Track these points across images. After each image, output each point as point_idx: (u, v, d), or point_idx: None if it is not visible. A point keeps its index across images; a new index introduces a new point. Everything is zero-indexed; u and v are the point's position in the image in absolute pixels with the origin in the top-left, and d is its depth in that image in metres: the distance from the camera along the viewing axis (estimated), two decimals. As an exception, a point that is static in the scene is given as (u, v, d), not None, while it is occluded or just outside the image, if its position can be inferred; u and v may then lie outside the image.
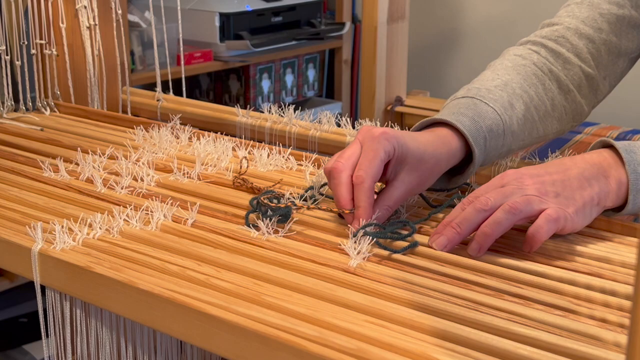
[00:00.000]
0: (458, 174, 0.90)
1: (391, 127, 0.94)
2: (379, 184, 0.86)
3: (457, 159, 0.87)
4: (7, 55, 1.25)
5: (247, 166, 0.98)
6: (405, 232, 0.80)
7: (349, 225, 0.80)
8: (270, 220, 0.82)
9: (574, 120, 1.00)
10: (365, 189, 0.79)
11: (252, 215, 0.85)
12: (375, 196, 0.82)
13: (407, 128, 0.90)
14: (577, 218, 0.78)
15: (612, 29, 0.96)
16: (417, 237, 0.80)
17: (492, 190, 0.77)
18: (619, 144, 0.81)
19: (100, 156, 1.04)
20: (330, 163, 0.82)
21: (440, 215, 0.86)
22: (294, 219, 0.84)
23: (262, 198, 0.86)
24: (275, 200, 0.86)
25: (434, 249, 0.77)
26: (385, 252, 0.78)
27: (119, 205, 0.89)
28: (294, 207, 0.86)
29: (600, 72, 0.98)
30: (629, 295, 0.69)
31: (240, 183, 0.94)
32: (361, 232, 0.78)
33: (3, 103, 1.26)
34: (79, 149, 1.06)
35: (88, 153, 1.05)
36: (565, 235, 0.82)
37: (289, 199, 0.87)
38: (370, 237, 0.77)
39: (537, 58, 0.96)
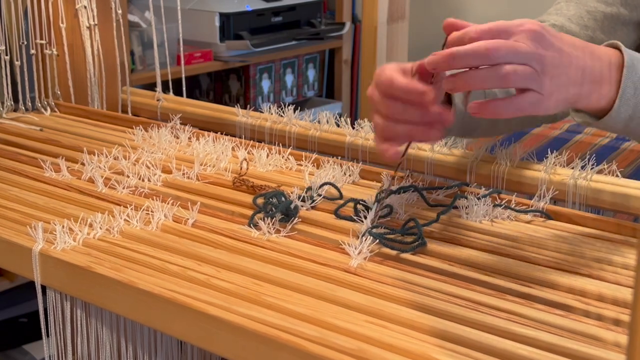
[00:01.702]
0: None
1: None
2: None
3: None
4: (7, 55, 1.25)
5: (247, 168, 0.98)
6: (411, 239, 0.80)
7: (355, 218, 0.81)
8: (273, 219, 0.82)
9: (557, 116, 1.00)
10: (389, 72, 0.75)
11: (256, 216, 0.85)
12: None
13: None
14: (549, 106, 0.73)
15: (599, 26, 0.96)
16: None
17: (505, 40, 0.71)
18: (627, 51, 0.77)
19: (100, 156, 1.04)
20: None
21: (445, 218, 0.86)
22: (296, 220, 0.84)
23: (267, 198, 0.87)
24: (282, 198, 0.87)
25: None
26: (385, 252, 0.78)
27: (120, 205, 0.89)
28: (296, 207, 0.86)
29: None
30: (630, 297, 0.70)
31: (240, 183, 0.94)
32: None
33: (3, 103, 1.26)
34: (84, 149, 1.06)
35: (88, 153, 1.04)
36: (566, 237, 0.82)
37: (290, 199, 0.87)
38: (374, 237, 0.77)
39: None
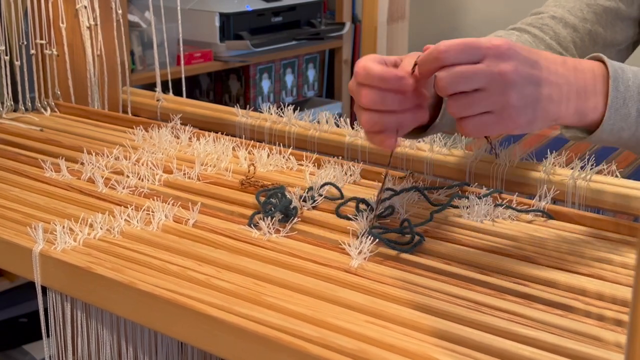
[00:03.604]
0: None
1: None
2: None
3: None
4: (6, 55, 1.25)
5: (255, 171, 0.98)
6: (407, 239, 0.80)
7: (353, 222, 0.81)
8: (272, 218, 0.82)
9: None
10: (365, 63, 0.73)
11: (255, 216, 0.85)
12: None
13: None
14: (518, 127, 0.71)
15: (598, 19, 0.97)
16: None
17: (462, 65, 0.69)
18: (610, 62, 0.76)
19: (101, 156, 1.04)
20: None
21: (441, 217, 0.86)
22: (296, 219, 0.84)
23: (262, 195, 0.87)
24: (282, 197, 0.87)
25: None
26: (385, 252, 0.78)
27: (120, 205, 0.89)
28: (295, 207, 0.86)
29: None
30: (630, 296, 0.69)
31: (248, 184, 0.95)
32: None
33: (2, 103, 1.26)
34: (85, 149, 1.06)
35: (89, 153, 1.04)
36: (565, 236, 0.82)
37: (290, 199, 0.87)
38: (374, 237, 0.77)
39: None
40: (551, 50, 0.96)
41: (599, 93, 0.74)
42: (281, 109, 1.16)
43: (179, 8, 1.33)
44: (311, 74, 2.60)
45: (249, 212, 0.87)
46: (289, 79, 2.53)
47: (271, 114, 1.17)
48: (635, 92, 0.75)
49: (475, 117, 0.69)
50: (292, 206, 0.86)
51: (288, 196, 0.87)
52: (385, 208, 0.86)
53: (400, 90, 0.72)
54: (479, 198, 0.88)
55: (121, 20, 1.30)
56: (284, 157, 1.04)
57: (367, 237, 0.77)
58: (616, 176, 0.90)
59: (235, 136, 1.14)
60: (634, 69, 0.77)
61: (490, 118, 0.69)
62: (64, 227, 0.81)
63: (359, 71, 0.73)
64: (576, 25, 0.96)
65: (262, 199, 0.88)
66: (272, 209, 0.84)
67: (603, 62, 0.76)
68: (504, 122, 0.69)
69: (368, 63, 0.73)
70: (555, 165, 0.93)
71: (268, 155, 1.04)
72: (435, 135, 1.08)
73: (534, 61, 0.70)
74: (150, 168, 0.99)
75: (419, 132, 0.87)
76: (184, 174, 0.98)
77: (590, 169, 0.90)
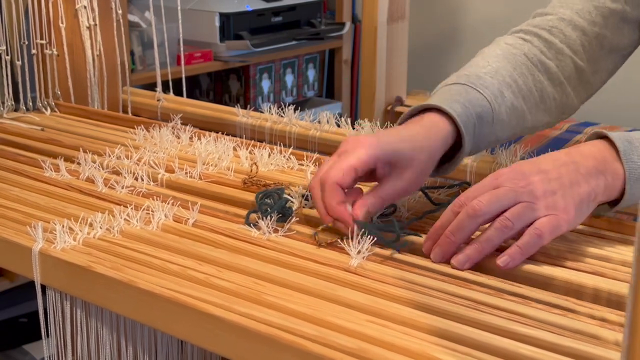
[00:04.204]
0: (447, 162, 0.87)
1: (390, 126, 0.95)
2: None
3: (449, 145, 0.85)
4: (7, 55, 1.25)
5: (257, 171, 0.98)
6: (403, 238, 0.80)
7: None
8: (271, 218, 0.82)
9: (564, 113, 0.99)
10: (328, 189, 0.78)
11: (253, 215, 0.85)
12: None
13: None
14: (573, 218, 0.77)
15: (605, 23, 0.95)
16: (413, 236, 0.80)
17: (485, 193, 0.76)
18: (613, 135, 0.79)
19: (102, 156, 1.04)
20: (310, 181, 0.84)
21: (437, 214, 0.86)
22: (294, 219, 0.85)
23: (261, 196, 0.87)
24: (276, 196, 0.87)
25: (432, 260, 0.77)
26: (385, 252, 0.78)
27: (120, 204, 0.89)
28: (295, 207, 0.86)
29: (590, 66, 0.97)
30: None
31: (251, 183, 0.95)
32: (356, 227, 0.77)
33: (3, 103, 1.26)
34: (80, 149, 1.06)
35: (90, 153, 1.05)
36: (565, 234, 0.82)
37: (288, 199, 0.87)
38: (366, 233, 0.77)
39: (528, 48, 0.95)
40: (562, 55, 0.95)
41: (618, 177, 0.78)
42: (281, 109, 1.16)
43: (179, 8, 1.33)
44: (311, 74, 2.60)
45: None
46: (289, 79, 2.53)
47: (272, 114, 1.17)
48: None
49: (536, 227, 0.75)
50: (287, 206, 0.86)
51: (286, 196, 0.87)
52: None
53: (343, 224, 0.79)
54: None
55: (121, 20, 1.30)
56: (284, 156, 1.04)
57: (362, 232, 0.77)
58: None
59: (235, 136, 1.14)
60: (633, 134, 0.80)
61: (547, 220, 0.76)
62: (63, 226, 0.81)
63: (314, 184, 0.81)
64: (585, 28, 0.95)
65: (260, 198, 0.88)
66: (268, 209, 0.84)
67: (609, 138, 0.79)
68: (557, 221, 0.76)
69: (327, 186, 0.79)
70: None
71: (269, 155, 1.04)
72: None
73: (542, 166, 0.77)
74: (152, 167, 0.99)
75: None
76: (186, 173, 0.98)
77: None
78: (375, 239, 0.77)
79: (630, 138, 0.79)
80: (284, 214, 0.85)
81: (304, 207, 0.88)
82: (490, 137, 0.90)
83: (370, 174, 0.81)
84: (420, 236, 0.80)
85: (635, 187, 0.78)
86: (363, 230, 0.77)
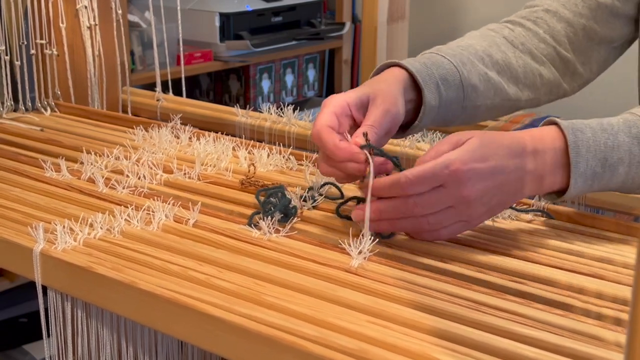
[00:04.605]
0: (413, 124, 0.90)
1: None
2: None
3: (408, 90, 0.87)
4: (7, 55, 1.25)
5: (255, 171, 0.98)
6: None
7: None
8: (272, 218, 0.82)
9: (551, 94, 1.00)
10: (324, 135, 0.79)
11: (255, 216, 0.85)
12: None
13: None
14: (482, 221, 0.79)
15: (592, 15, 0.96)
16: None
17: (428, 192, 0.75)
18: (564, 123, 0.78)
19: (101, 156, 1.04)
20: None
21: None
22: (296, 219, 0.84)
23: (262, 195, 0.87)
24: (281, 195, 0.87)
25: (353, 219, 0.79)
26: (386, 252, 0.78)
27: (120, 205, 0.89)
28: (294, 207, 0.86)
29: (578, 57, 0.98)
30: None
31: (248, 184, 0.94)
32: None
33: (3, 103, 1.26)
34: (85, 149, 1.06)
35: (89, 153, 1.04)
36: (566, 236, 0.82)
37: (292, 198, 0.87)
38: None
39: (508, 32, 0.98)
40: (544, 44, 0.97)
41: (562, 166, 0.77)
42: (281, 109, 1.16)
43: (179, 8, 1.33)
44: (311, 74, 2.60)
45: (249, 211, 0.87)
46: (289, 79, 2.53)
47: (271, 114, 1.17)
48: (597, 150, 0.77)
49: (448, 227, 0.77)
50: (291, 205, 0.86)
51: (287, 196, 0.87)
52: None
53: (353, 160, 0.78)
54: None
55: (121, 20, 1.30)
56: (284, 157, 1.04)
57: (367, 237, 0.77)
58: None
59: (235, 136, 1.14)
60: (592, 124, 0.78)
61: (461, 225, 0.77)
62: (64, 226, 0.81)
63: (314, 138, 0.81)
64: (570, 19, 0.96)
65: (262, 198, 0.88)
66: (272, 208, 0.84)
67: (560, 126, 0.78)
68: (472, 225, 0.78)
69: (322, 133, 0.79)
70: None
71: (268, 155, 1.04)
72: (434, 135, 1.08)
73: (492, 167, 0.75)
74: (151, 168, 0.99)
75: (400, 132, 0.90)
76: (184, 174, 0.98)
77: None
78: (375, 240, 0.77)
79: (582, 129, 0.78)
80: (287, 214, 0.85)
81: (303, 207, 0.88)
82: (466, 103, 0.91)
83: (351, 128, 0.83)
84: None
85: (580, 182, 0.78)
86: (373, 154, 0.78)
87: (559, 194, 0.80)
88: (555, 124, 0.79)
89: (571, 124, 0.78)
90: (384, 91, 0.83)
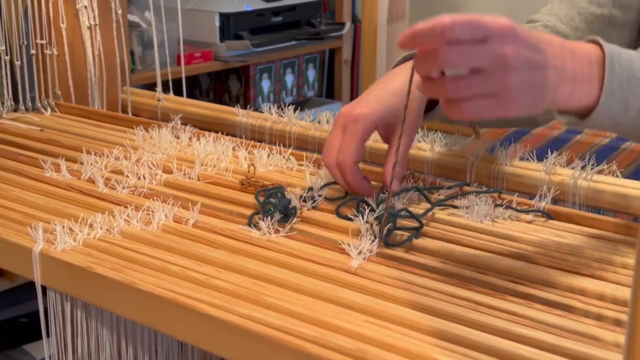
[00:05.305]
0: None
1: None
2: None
3: None
4: (7, 55, 1.25)
5: (254, 171, 0.98)
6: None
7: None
8: (272, 218, 0.82)
9: (549, 113, 0.99)
10: (348, 170, 0.86)
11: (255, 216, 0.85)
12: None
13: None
14: (518, 109, 0.69)
15: (590, 28, 0.96)
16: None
17: (468, 42, 0.67)
18: (607, 45, 0.74)
19: (101, 156, 1.04)
20: (323, 158, 0.89)
21: (441, 217, 0.86)
22: (295, 219, 0.85)
23: (261, 195, 0.87)
24: (281, 195, 0.87)
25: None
26: (385, 252, 0.78)
27: (120, 205, 0.89)
28: (294, 207, 0.87)
29: None
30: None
31: (248, 184, 0.95)
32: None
33: (3, 103, 1.26)
34: (85, 149, 1.06)
35: (89, 153, 1.04)
36: (566, 236, 0.82)
37: (292, 199, 0.87)
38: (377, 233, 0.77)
39: None
40: None
41: (594, 79, 0.72)
42: (281, 109, 1.16)
43: (179, 8, 1.33)
44: (311, 74, 2.60)
45: (249, 212, 0.87)
46: (289, 79, 2.53)
47: (271, 114, 1.17)
48: (631, 75, 0.73)
49: (473, 99, 0.67)
50: (291, 206, 0.86)
51: (287, 196, 0.87)
52: (385, 208, 0.85)
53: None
54: (476, 194, 0.88)
55: (121, 20, 1.30)
56: (284, 157, 1.04)
57: (367, 237, 0.77)
58: (617, 176, 0.90)
59: (235, 136, 1.14)
60: (630, 52, 0.75)
61: (488, 101, 0.67)
62: (64, 227, 0.81)
63: (337, 166, 0.87)
64: (568, 34, 0.96)
65: (262, 198, 0.88)
66: (272, 208, 0.84)
67: (600, 44, 0.74)
68: (501, 105, 0.68)
69: (347, 171, 0.86)
70: (555, 165, 0.93)
71: (268, 155, 1.04)
72: (435, 135, 1.08)
73: (535, 44, 0.69)
74: (150, 168, 0.99)
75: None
76: (184, 174, 0.98)
77: (591, 169, 0.90)
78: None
79: (620, 51, 0.74)
80: (286, 214, 0.85)
81: (303, 207, 0.88)
82: None
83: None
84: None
85: (609, 101, 0.73)
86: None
87: (585, 115, 0.74)
88: (596, 42, 0.74)
89: (611, 46, 0.74)
90: (411, 106, 0.82)
